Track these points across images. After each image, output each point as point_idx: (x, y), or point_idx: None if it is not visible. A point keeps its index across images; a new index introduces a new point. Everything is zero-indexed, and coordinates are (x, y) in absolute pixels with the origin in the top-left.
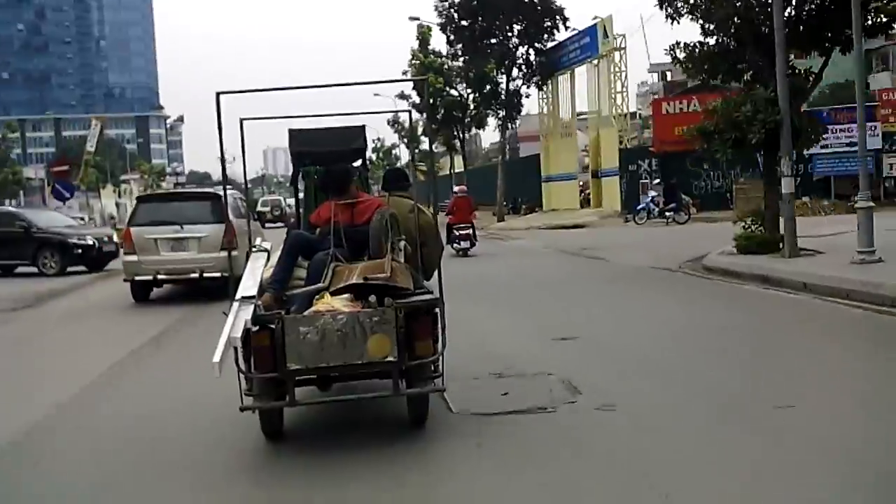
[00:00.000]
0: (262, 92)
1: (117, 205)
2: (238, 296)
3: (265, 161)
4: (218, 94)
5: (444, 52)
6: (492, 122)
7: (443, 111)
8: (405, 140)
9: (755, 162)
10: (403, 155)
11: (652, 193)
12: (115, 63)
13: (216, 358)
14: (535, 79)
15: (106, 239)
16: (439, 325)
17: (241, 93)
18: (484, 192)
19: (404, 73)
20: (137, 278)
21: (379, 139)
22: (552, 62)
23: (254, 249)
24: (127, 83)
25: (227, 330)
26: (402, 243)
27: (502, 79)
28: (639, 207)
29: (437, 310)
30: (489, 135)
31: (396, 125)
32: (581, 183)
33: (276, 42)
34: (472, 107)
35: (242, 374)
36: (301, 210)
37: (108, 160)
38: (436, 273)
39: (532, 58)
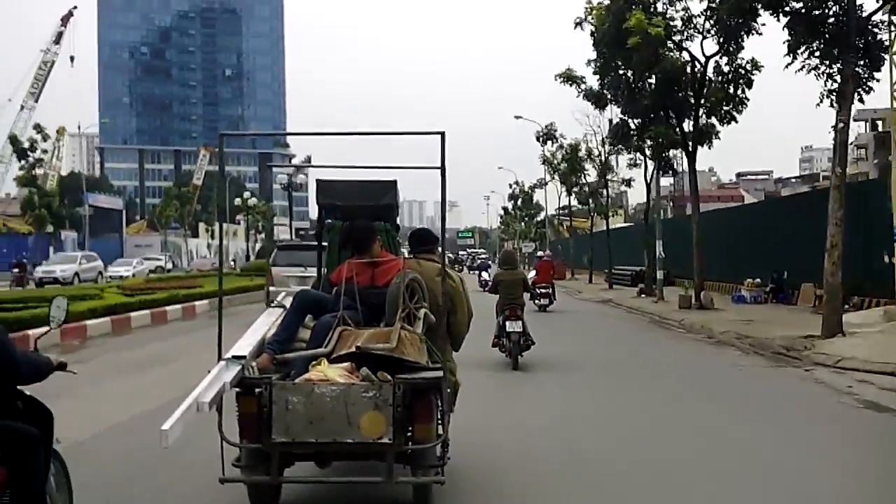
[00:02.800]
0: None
1: (209, 246)
2: (228, 354)
3: (420, 211)
4: (221, 136)
5: None
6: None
7: (654, 83)
8: (558, 172)
9: None
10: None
11: None
12: (240, 94)
13: (167, 425)
14: None
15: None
16: (443, 407)
17: (244, 135)
18: (681, 260)
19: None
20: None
21: (518, 183)
22: None
23: (272, 304)
24: (251, 116)
25: (196, 393)
26: (423, 311)
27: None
28: None
29: (442, 389)
30: (636, 194)
31: (553, 159)
32: None
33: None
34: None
35: (225, 441)
36: (324, 267)
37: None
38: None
39: None
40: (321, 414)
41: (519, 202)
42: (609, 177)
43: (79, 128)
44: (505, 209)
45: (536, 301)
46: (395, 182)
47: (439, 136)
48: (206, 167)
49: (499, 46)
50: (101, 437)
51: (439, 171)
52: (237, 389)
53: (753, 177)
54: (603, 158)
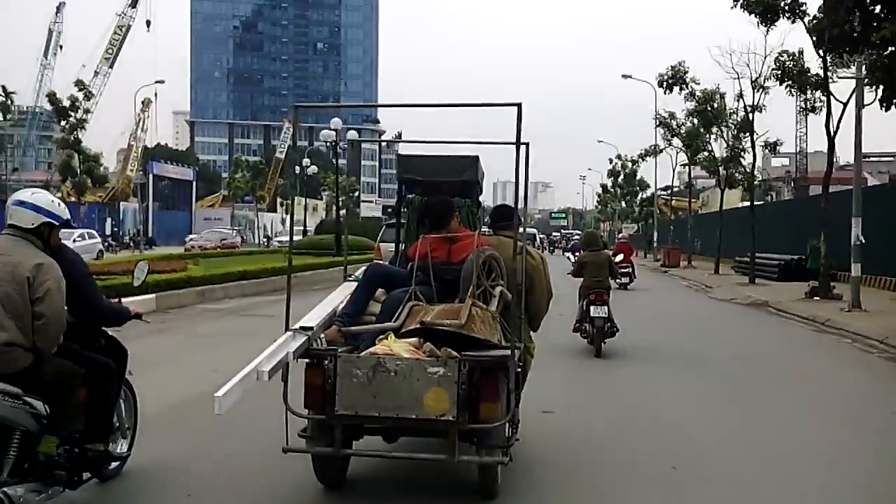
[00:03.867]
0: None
1: (283, 221)
2: (297, 325)
3: (494, 195)
4: (295, 107)
5: None
6: None
7: None
8: (678, 135)
9: None
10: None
11: None
12: (331, 69)
13: (221, 392)
14: None
15: None
16: (510, 385)
17: (316, 107)
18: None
19: None
20: None
21: (620, 157)
22: None
23: (349, 278)
24: (343, 91)
25: (257, 361)
26: (499, 289)
27: None
28: None
29: (511, 369)
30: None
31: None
32: None
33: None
34: None
35: (290, 411)
36: (403, 242)
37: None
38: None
39: None
40: (385, 388)
41: (620, 178)
42: (754, 138)
43: (156, 95)
44: (604, 187)
45: (618, 280)
46: (476, 158)
47: (516, 108)
48: (287, 140)
49: (605, 14)
50: (176, 408)
51: (514, 146)
52: (306, 360)
53: (876, 158)
54: (756, 101)
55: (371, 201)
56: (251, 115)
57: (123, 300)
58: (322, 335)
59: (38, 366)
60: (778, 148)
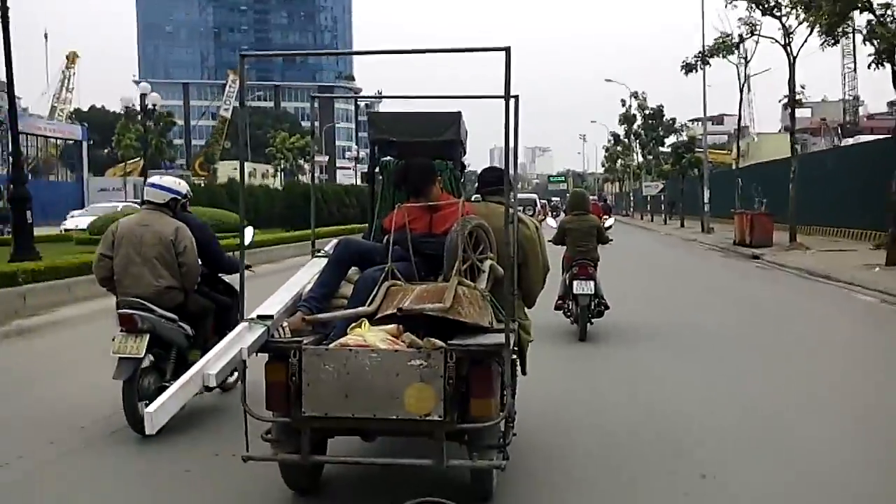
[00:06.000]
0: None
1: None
2: (253, 313)
3: (492, 162)
4: (242, 56)
5: None
6: None
7: None
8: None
9: None
10: None
11: None
12: (296, 19)
13: (152, 407)
14: None
15: None
16: (505, 377)
17: (265, 56)
18: None
19: None
20: None
21: (637, 96)
22: None
23: (318, 253)
24: (308, 44)
25: (203, 362)
26: (489, 264)
27: None
28: None
29: (506, 357)
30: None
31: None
32: None
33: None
34: None
35: (250, 414)
36: (376, 212)
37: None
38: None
39: None
40: (359, 385)
41: (637, 124)
42: None
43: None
44: (615, 137)
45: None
46: (458, 114)
47: (504, 54)
48: (234, 96)
49: None
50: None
51: (503, 99)
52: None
53: None
54: None
55: (348, 168)
56: (207, 73)
57: None
58: (285, 324)
59: (185, 302)
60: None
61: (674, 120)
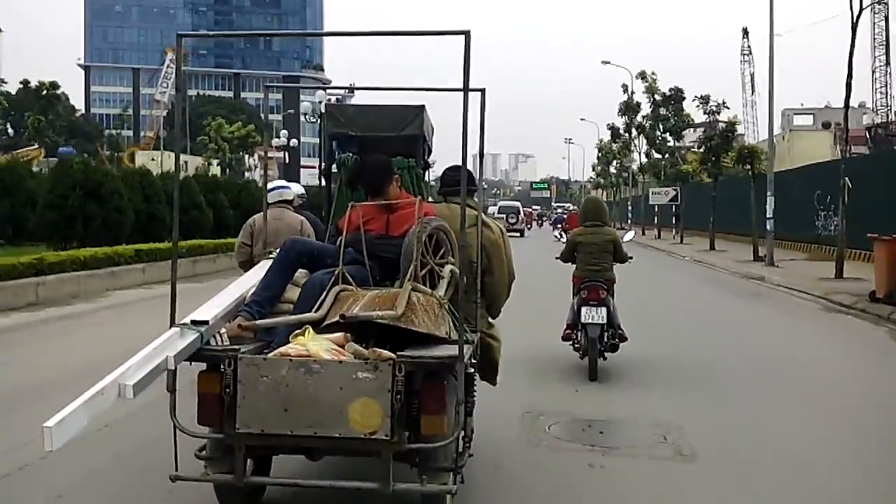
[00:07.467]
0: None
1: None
2: (187, 318)
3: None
4: (179, 37)
5: None
6: None
7: None
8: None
9: None
10: None
11: None
12: (260, 1)
13: (52, 421)
14: None
15: None
16: (460, 393)
17: (204, 36)
18: None
19: None
20: None
21: (646, 77)
22: None
23: (268, 253)
24: (273, 28)
25: (120, 371)
26: (449, 269)
27: None
28: None
29: (459, 371)
30: None
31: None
32: None
33: None
34: None
35: (179, 429)
36: (332, 212)
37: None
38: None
39: None
40: (299, 400)
41: (641, 114)
42: None
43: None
44: (613, 131)
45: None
46: (422, 107)
47: (463, 38)
48: (171, 77)
49: None
50: None
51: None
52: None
53: None
54: None
55: (312, 166)
56: (159, 59)
57: None
58: (223, 330)
59: None
60: None
61: (706, 98)
